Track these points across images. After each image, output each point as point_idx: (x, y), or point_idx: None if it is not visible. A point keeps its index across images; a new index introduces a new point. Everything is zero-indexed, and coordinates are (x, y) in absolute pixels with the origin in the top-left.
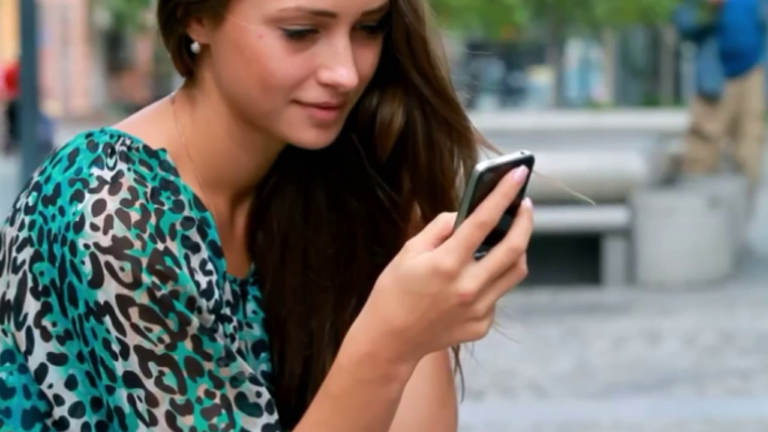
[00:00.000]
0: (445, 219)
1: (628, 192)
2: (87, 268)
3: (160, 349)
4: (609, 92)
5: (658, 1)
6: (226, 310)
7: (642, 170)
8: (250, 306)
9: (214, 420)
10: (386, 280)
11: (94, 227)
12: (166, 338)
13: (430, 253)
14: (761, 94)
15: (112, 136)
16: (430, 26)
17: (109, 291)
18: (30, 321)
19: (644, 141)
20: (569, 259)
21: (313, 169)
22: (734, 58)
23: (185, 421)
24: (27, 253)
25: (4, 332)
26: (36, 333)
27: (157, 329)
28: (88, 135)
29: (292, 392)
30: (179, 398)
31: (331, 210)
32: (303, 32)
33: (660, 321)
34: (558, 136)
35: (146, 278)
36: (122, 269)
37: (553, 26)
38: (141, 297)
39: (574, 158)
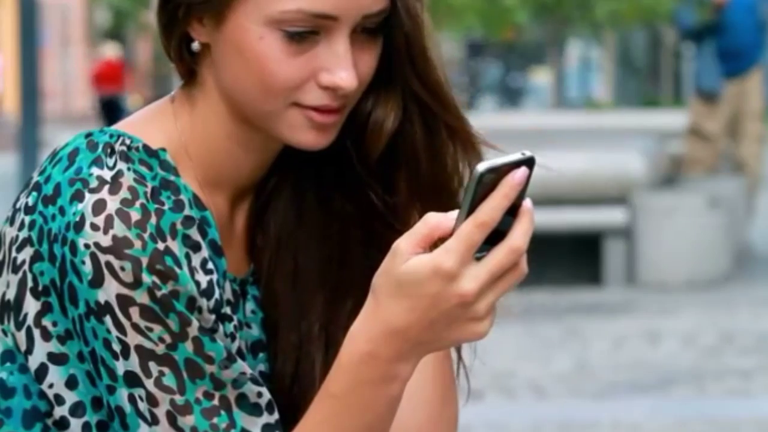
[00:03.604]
0: (432, 219)
1: (628, 192)
2: (87, 267)
3: (160, 349)
4: (609, 92)
5: (659, 1)
6: (227, 309)
7: (642, 170)
8: (250, 305)
9: (215, 420)
10: (384, 280)
11: (95, 227)
12: (167, 338)
13: (430, 254)
14: (761, 93)
15: (111, 136)
16: (428, 33)
17: (109, 291)
18: (30, 321)
19: (644, 141)
20: (569, 259)
21: (307, 170)
22: (734, 58)
23: (186, 421)
24: (27, 253)
25: (4, 332)
26: (36, 333)
27: (158, 329)
28: (88, 135)
29: (284, 393)
30: (179, 399)
31: (324, 212)
32: (303, 34)
33: (660, 321)
34: (558, 136)
35: (146, 278)
36: (123, 269)
37: (553, 26)
38: (141, 297)
39: (574, 158)
